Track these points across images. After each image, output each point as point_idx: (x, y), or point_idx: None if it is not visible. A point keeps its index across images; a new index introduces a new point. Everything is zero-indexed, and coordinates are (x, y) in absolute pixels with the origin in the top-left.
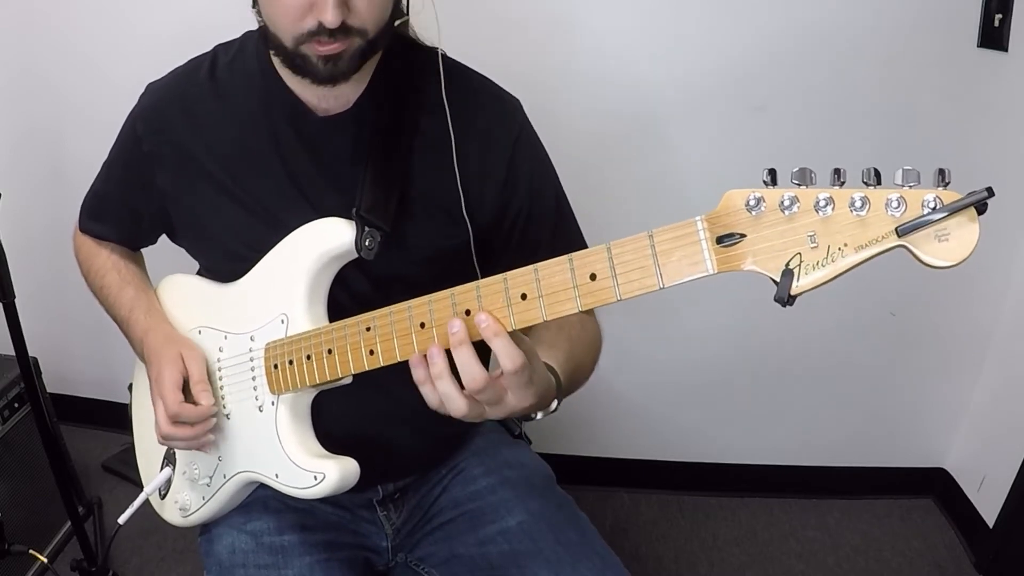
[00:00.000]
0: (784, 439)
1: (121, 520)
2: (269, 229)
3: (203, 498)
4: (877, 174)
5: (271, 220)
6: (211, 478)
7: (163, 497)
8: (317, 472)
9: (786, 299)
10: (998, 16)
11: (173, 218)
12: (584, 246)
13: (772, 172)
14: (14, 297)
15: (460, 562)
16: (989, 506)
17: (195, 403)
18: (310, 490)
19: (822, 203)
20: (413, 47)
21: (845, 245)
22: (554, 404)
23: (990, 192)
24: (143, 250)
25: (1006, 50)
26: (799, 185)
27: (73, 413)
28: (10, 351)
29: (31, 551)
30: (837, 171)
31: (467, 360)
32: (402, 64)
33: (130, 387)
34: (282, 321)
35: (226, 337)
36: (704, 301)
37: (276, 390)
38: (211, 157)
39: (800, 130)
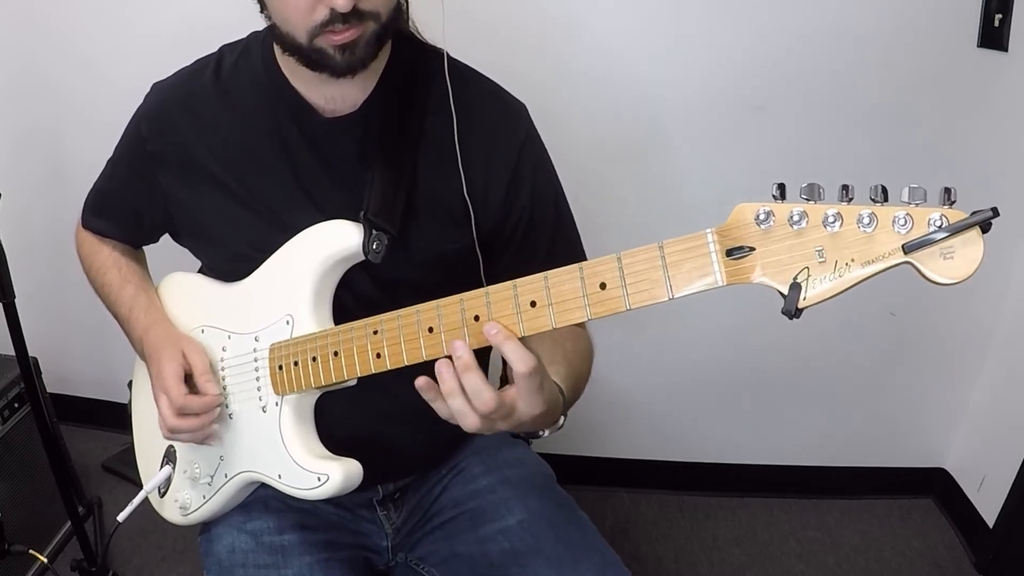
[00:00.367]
0: (784, 439)
1: (120, 518)
2: (273, 230)
3: (204, 497)
4: (884, 191)
5: (275, 221)
6: (212, 477)
7: (163, 495)
8: (321, 473)
9: (793, 312)
10: (998, 16)
11: (176, 218)
12: (581, 252)
13: (781, 187)
14: (14, 297)
15: (460, 561)
16: (989, 506)
17: (199, 395)
18: (313, 491)
19: (830, 219)
20: (418, 48)
21: (852, 260)
22: (561, 420)
23: (995, 212)
24: (144, 248)
25: (1006, 50)
26: (808, 200)
27: (73, 413)
28: (10, 351)
29: (31, 551)
30: (845, 187)
31: (476, 385)
32: (408, 66)
33: (130, 384)
34: (287, 322)
35: (230, 337)
36: (704, 302)
37: (280, 391)
38: (216, 158)
39: (801, 130)
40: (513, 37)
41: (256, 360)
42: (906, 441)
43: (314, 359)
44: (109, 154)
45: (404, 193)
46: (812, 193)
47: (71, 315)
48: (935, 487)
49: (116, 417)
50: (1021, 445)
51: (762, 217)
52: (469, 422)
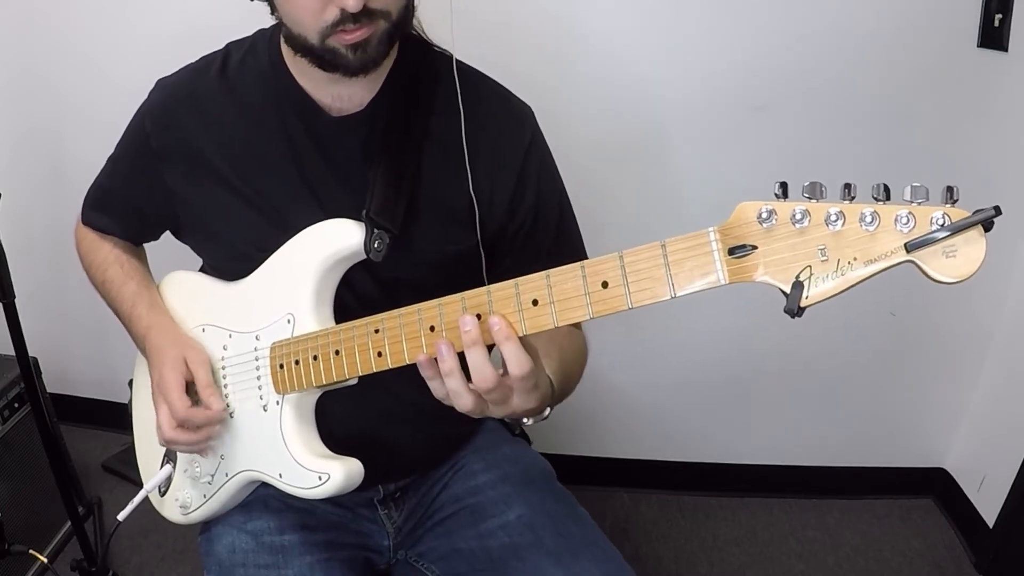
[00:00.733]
0: (784, 439)
1: (121, 517)
2: (277, 229)
3: (204, 496)
4: (886, 189)
5: (280, 220)
6: (213, 476)
7: (163, 494)
8: (322, 473)
9: (796, 311)
10: (998, 16)
11: (180, 216)
12: (584, 254)
13: (783, 185)
14: (14, 297)
15: (460, 556)
16: (989, 506)
17: (201, 406)
18: (314, 490)
19: (833, 217)
20: (424, 49)
21: (855, 259)
22: (547, 411)
23: (997, 211)
24: (145, 247)
25: (1006, 50)
26: (810, 199)
27: (73, 413)
28: (10, 351)
29: (31, 551)
30: (847, 186)
31: (480, 360)
32: (415, 66)
33: (130, 383)
34: (288, 321)
35: (231, 335)
36: (705, 302)
37: (281, 390)
38: (220, 155)
39: (801, 130)
40: (515, 38)
41: (257, 359)
42: (906, 441)
43: (315, 358)
44: (109, 154)
45: (407, 192)
46: (814, 192)
47: (71, 315)
48: (935, 487)
49: (116, 417)
50: (1021, 445)
51: (764, 215)
52: (463, 402)
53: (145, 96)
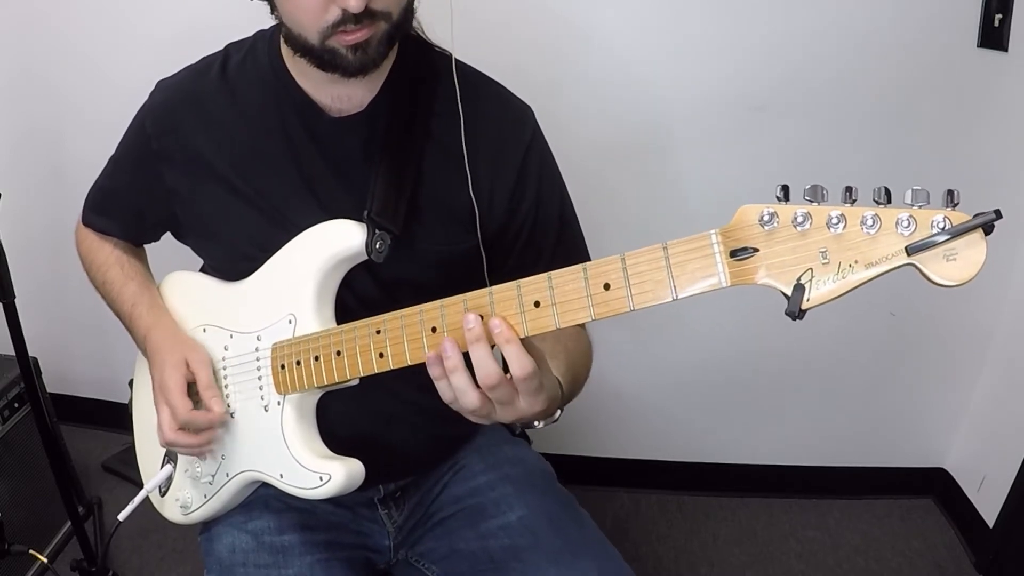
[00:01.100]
0: (784, 439)
1: (121, 517)
2: (278, 229)
3: (204, 496)
4: (887, 192)
5: (281, 220)
6: (213, 476)
7: (163, 494)
8: (323, 473)
9: (797, 313)
10: (998, 16)
11: (180, 217)
12: (586, 253)
13: (785, 188)
14: (14, 297)
15: (460, 557)
16: (989, 506)
17: (202, 408)
18: (315, 491)
19: (834, 220)
20: (424, 49)
21: (856, 262)
22: (557, 413)
23: (998, 214)
24: (145, 247)
25: (1006, 50)
26: (811, 202)
27: (73, 413)
28: (10, 351)
29: (31, 551)
30: (848, 189)
31: (483, 357)
32: (415, 66)
33: (130, 383)
34: (289, 321)
35: (231, 336)
36: (705, 302)
37: (282, 390)
38: (221, 157)
39: (802, 130)
40: (515, 38)
41: (258, 359)
42: (906, 441)
43: (316, 358)
44: (109, 154)
45: (408, 193)
46: (816, 194)
47: (71, 315)
48: (935, 487)
49: (116, 417)
50: (1021, 445)
51: (766, 218)
52: (469, 399)
53: (145, 96)
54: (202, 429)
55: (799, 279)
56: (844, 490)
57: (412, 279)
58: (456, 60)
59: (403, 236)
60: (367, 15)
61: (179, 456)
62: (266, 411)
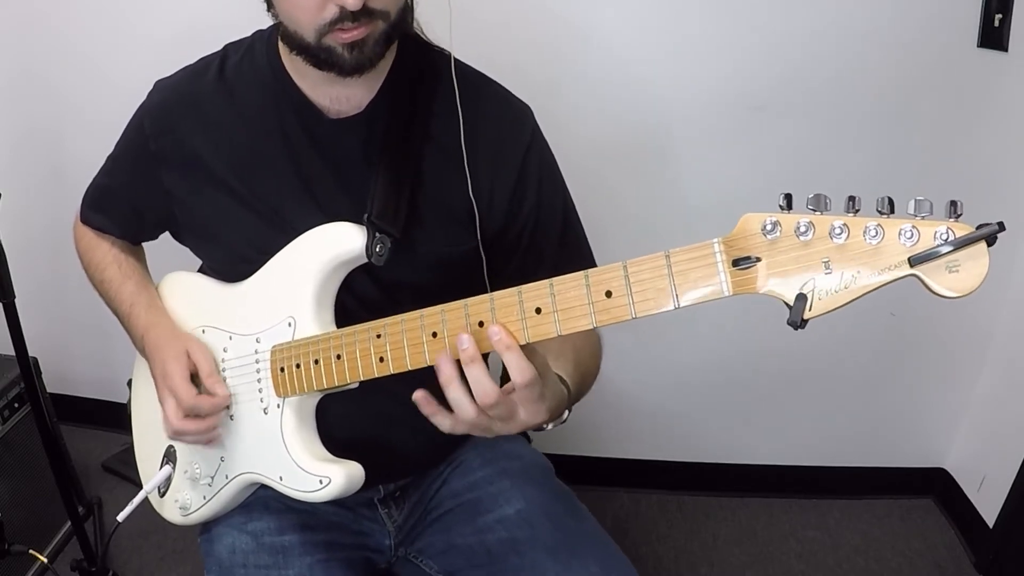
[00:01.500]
0: (784, 439)
1: (120, 517)
2: (277, 231)
3: (204, 497)
4: (891, 202)
5: (279, 222)
6: (213, 478)
7: (163, 495)
8: (323, 476)
9: (799, 323)
10: (998, 16)
11: (179, 218)
12: (590, 255)
13: (788, 197)
14: (14, 297)
15: (458, 552)
16: (989, 506)
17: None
18: (315, 494)
19: (837, 230)
20: (424, 49)
21: (858, 272)
22: (565, 414)
23: (1001, 226)
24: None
25: (1006, 50)
26: (814, 211)
27: (73, 413)
28: (10, 351)
29: (31, 551)
30: (852, 198)
31: (479, 376)
32: (414, 67)
33: (130, 383)
34: (289, 324)
35: (231, 338)
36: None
37: (282, 393)
38: (219, 158)
39: (802, 131)
40: (515, 37)
41: (258, 362)
42: (906, 441)
43: (316, 362)
44: (109, 154)
45: (408, 195)
46: (819, 204)
47: (71, 315)
48: (935, 487)
49: (116, 417)
50: (1021, 445)
51: (769, 227)
52: (466, 414)
53: (144, 96)
54: (208, 415)
55: (801, 289)
56: (844, 490)
57: (412, 281)
58: (455, 60)
59: (404, 239)
60: (364, 13)
61: (178, 457)
62: (265, 413)
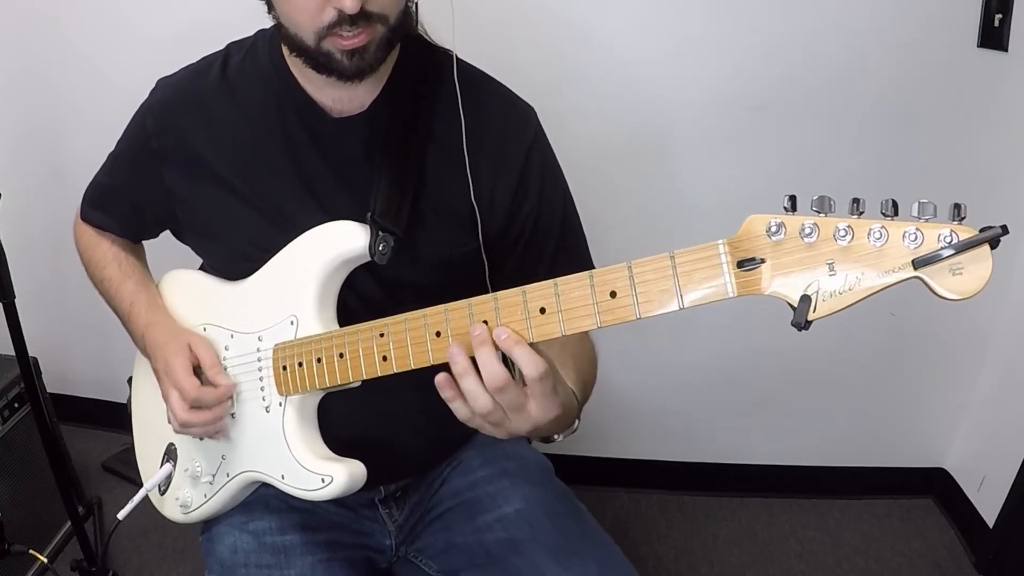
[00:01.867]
0: (784, 439)
1: (120, 516)
2: (279, 230)
3: (205, 496)
4: (895, 205)
5: (281, 221)
6: (214, 476)
7: (163, 493)
8: (325, 475)
9: (803, 324)
10: (998, 16)
11: (180, 217)
12: (588, 258)
13: (792, 198)
14: (14, 297)
15: (458, 551)
16: (989, 506)
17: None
18: (317, 492)
19: (842, 232)
20: (427, 49)
21: (863, 274)
22: (576, 423)
23: (1004, 230)
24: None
25: (1006, 50)
26: (819, 213)
27: (73, 413)
28: (10, 351)
29: (31, 551)
30: (856, 200)
31: (488, 359)
32: (417, 67)
33: (130, 381)
34: (291, 323)
35: (232, 336)
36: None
37: (284, 391)
38: (221, 157)
39: (803, 131)
40: (516, 37)
41: (260, 360)
42: (906, 441)
43: (319, 360)
44: (110, 152)
45: (411, 195)
46: (823, 206)
47: (71, 315)
48: (935, 487)
49: (116, 417)
50: (1021, 445)
51: (773, 229)
52: (481, 403)
53: (145, 96)
54: (212, 406)
55: (805, 290)
56: (844, 490)
57: (415, 281)
58: (458, 60)
59: (406, 238)
60: (363, 17)
61: (179, 455)
62: (267, 412)
